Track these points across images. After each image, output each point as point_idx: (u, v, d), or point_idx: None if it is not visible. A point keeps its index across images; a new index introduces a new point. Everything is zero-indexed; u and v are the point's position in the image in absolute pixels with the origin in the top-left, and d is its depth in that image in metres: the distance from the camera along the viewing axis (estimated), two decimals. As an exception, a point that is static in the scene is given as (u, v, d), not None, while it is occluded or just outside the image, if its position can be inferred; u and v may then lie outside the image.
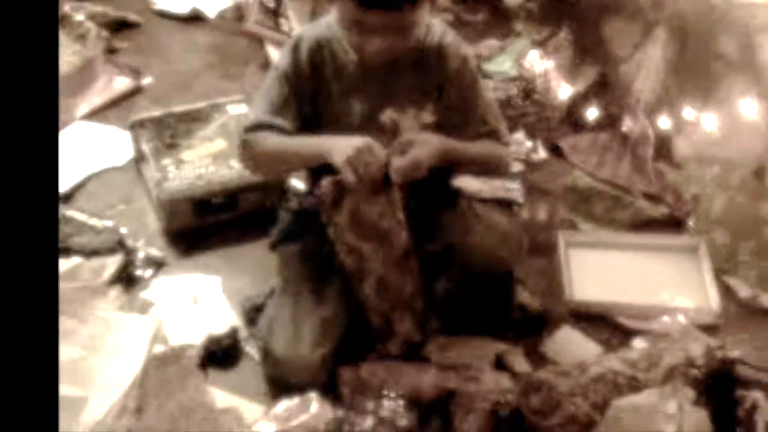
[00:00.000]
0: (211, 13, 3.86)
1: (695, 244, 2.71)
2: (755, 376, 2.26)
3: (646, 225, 2.84)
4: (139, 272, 2.61)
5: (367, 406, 2.13)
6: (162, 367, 2.27)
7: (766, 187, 2.78)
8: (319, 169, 2.15)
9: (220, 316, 2.48)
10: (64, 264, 2.55)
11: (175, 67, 3.55)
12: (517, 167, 3.00)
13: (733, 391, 2.13)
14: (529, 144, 3.10)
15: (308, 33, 2.23)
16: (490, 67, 3.33)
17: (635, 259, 2.71)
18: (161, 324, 2.41)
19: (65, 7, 3.66)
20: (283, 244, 2.37)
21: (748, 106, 2.85)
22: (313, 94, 2.20)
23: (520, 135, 3.10)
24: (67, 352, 2.30)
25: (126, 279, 2.58)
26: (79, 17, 3.62)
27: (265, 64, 3.42)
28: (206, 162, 2.79)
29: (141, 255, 2.65)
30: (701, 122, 2.96)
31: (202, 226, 2.75)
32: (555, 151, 3.11)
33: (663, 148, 3.03)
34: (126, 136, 3.02)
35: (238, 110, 2.98)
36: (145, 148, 2.84)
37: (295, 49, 2.19)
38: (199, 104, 3.03)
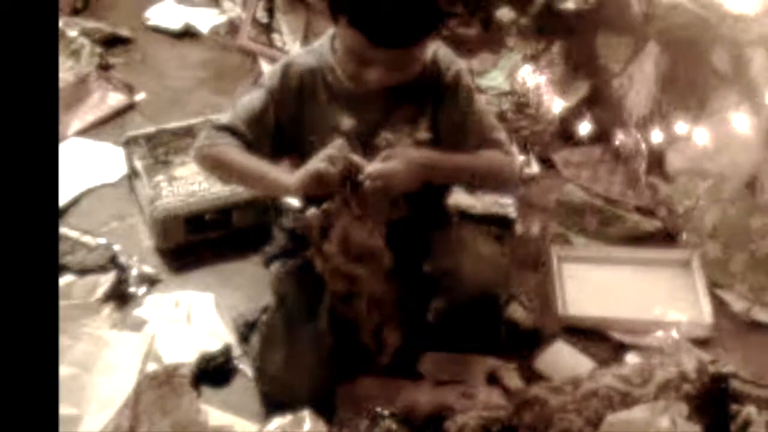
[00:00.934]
0: (204, 28, 3.87)
1: (688, 258, 2.71)
2: (748, 390, 2.25)
3: (639, 239, 2.84)
4: (132, 289, 2.61)
5: (360, 424, 2.12)
6: (155, 384, 2.26)
7: (758, 200, 2.78)
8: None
9: (214, 334, 2.47)
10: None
11: (168, 83, 3.56)
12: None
13: (727, 405, 2.12)
14: (521, 158, 3.10)
15: (300, 60, 2.20)
16: (482, 82, 3.33)
17: (628, 274, 2.71)
18: (154, 341, 2.41)
19: (59, 23, 3.68)
20: (277, 262, 2.37)
21: (740, 120, 2.85)
22: (296, 121, 2.18)
23: (512, 149, 3.09)
24: (60, 370, 2.29)
25: (119, 296, 2.58)
26: (73, 33, 3.64)
27: (259, 80, 3.43)
28: (199, 179, 2.79)
29: (134, 272, 2.65)
30: (693, 136, 2.96)
31: (196, 243, 2.76)
32: (548, 165, 3.11)
33: (655, 161, 3.03)
34: (119, 152, 3.02)
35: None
36: (138, 164, 2.84)
37: (285, 74, 2.18)
38: (193, 120, 3.03)
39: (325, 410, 2.16)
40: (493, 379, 2.31)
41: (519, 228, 2.85)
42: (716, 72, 2.95)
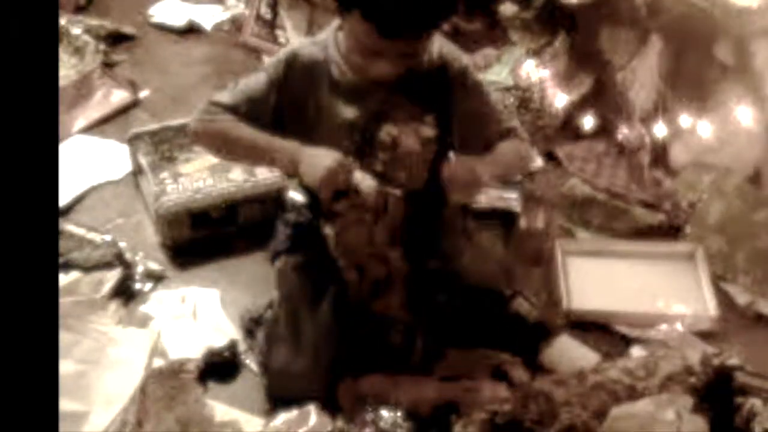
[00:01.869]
0: (207, 25, 3.86)
1: (692, 251, 2.71)
2: (753, 382, 2.24)
3: (643, 232, 2.84)
4: (138, 286, 2.62)
5: (365, 418, 2.13)
6: (162, 380, 2.27)
7: (762, 193, 2.78)
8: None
9: (219, 329, 2.48)
10: (63, 278, 2.55)
11: (172, 80, 3.56)
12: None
13: (732, 398, 2.12)
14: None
15: (304, 51, 2.18)
16: (486, 76, 3.33)
17: (632, 267, 2.71)
18: (160, 337, 2.41)
19: (62, 21, 3.68)
20: (282, 257, 2.37)
21: (743, 113, 2.85)
22: (297, 111, 2.16)
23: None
24: (66, 366, 2.30)
25: (125, 293, 2.58)
26: (76, 31, 3.63)
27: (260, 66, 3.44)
28: (204, 175, 2.80)
29: (140, 269, 2.65)
30: (697, 129, 2.96)
31: (201, 239, 2.76)
32: (551, 159, 3.11)
33: (659, 155, 3.04)
34: (124, 149, 3.02)
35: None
36: (143, 161, 2.85)
37: (289, 63, 2.16)
38: (197, 117, 3.03)
39: (330, 405, 2.18)
40: (498, 374, 2.32)
41: (523, 222, 2.85)
42: (720, 65, 2.95)
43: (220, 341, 2.42)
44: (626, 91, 3.15)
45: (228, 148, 2.20)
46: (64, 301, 2.46)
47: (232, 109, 2.13)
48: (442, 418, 2.16)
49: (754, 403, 2.12)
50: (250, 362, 2.39)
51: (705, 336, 2.46)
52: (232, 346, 2.41)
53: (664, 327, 2.47)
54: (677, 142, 3.02)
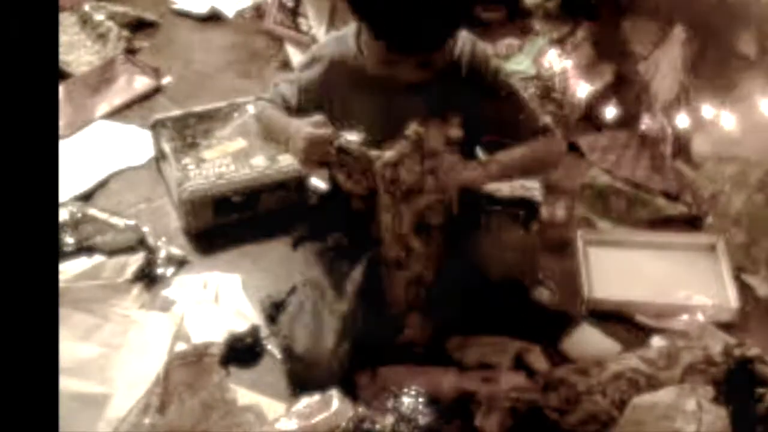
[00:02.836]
0: (229, 12, 3.88)
1: (713, 243, 2.71)
2: (774, 373, 2.26)
3: (665, 223, 2.84)
4: (160, 270, 2.63)
5: (387, 404, 2.14)
6: (184, 364, 2.29)
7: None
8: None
9: (241, 314, 2.50)
10: (87, 262, 2.59)
11: (194, 67, 3.57)
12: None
13: (753, 388, 2.13)
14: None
15: (328, 51, 2.23)
16: (508, 66, 3.33)
17: (653, 258, 2.71)
18: (183, 322, 2.43)
19: (85, 7, 3.71)
20: (305, 242, 2.38)
21: (766, 105, 2.84)
22: (323, 110, 2.18)
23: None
24: (89, 349, 2.33)
25: (148, 277, 2.60)
26: (99, 17, 3.66)
27: (285, 63, 3.44)
28: (226, 161, 2.81)
29: (162, 253, 2.67)
30: (720, 120, 2.95)
31: (223, 224, 2.77)
32: (573, 149, 3.11)
33: (681, 146, 3.03)
34: (146, 135, 3.04)
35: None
36: (166, 147, 2.86)
37: (313, 65, 2.23)
38: (219, 104, 3.04)
39: (351, 390, 2.19)
40: (519, 362, 2.32)
41: (544, 212, 2.85)
42: (743, 56, 2.94)
43: (241, 326, 2.43)
44: (648, 82, 3.15)
45: (264, 133, 2.35)
46: (88, 285, 2.49)
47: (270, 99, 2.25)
48: (463, 406, 2.17)
49: (775, 393, 2.13)
50: (272, 347, 2.40)
51: (726, 327, 2.45)
52: (254, 331, 2.42)
53: (684, 317, 2.47)
54: (699, 133, 3.01)
